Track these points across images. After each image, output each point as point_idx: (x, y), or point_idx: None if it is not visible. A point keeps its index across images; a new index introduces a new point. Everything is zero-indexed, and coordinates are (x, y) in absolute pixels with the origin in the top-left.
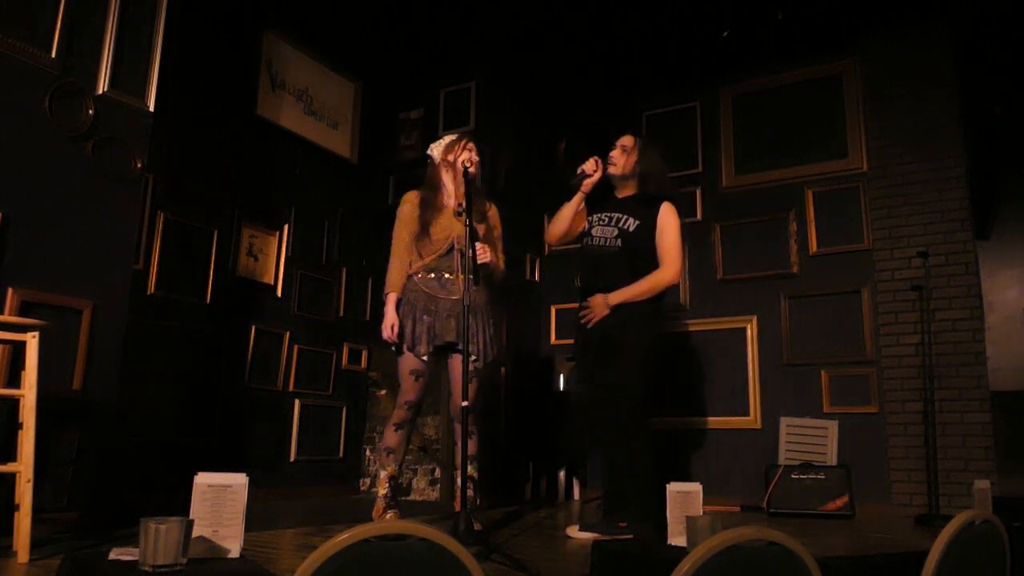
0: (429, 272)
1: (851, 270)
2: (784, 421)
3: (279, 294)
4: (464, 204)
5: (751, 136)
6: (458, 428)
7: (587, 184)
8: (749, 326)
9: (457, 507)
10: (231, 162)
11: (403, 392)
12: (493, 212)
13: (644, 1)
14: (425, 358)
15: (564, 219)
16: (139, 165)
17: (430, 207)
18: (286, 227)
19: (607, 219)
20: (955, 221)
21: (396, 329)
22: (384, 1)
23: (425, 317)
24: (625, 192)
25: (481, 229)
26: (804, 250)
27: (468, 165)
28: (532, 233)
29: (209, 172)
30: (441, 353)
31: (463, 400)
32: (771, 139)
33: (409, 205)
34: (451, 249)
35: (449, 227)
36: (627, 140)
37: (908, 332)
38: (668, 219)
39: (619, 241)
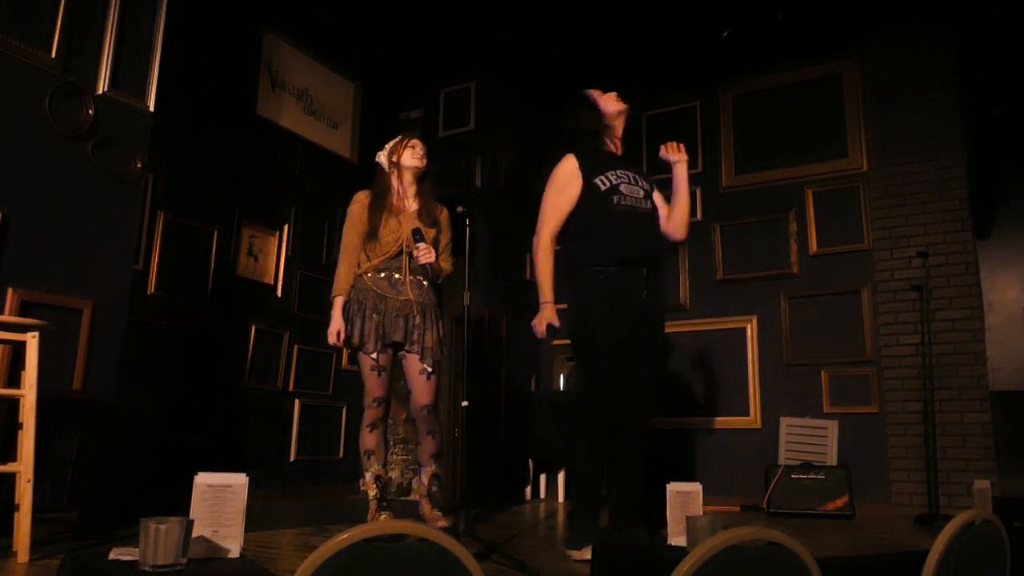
0: (379, 272)
1: (851, 270)
2: (784, 421)
3: (279, 294)
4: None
5: (751, 136)
6: (421, 428)
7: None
8: (749, 326)
9: (426, 508)
10: (231, 162)
11: (369, 390)
12: (444, 215)
13: (644, 1)
14: (375, 355)
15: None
16: (139, 165)
17: (379, 209)
18: (286, 227)
19: (627, 177)
20: (955, 221)
21: (342, 335)
22: (384, 1)
23: (374, 316)
24: (615, 152)
25: (431, 233)
26: (804, 250)
27: (418, 164)
28: (532, 233)
29: (209, 172)
30: (394, 351)
31: (463, 400)
32: (771, 139)
33: (358, 206)
34: (400, 252)
35: (398, 229)
36: (622, 105)
37: (908, 332)
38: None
39: (648, 203)
